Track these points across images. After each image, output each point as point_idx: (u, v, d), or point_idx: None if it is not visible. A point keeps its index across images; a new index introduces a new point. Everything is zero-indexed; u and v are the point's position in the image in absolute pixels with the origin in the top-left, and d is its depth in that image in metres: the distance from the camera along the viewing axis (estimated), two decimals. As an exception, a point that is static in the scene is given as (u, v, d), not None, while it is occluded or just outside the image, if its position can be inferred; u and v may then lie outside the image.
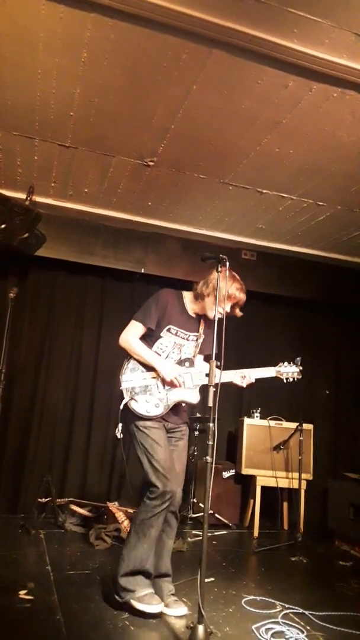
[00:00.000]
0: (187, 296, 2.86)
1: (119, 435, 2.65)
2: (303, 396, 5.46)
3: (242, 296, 2.75)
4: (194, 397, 2.78)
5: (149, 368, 2.73)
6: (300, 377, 2.87)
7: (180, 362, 2.78)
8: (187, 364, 2.78)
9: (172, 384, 2.69)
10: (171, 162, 3.70)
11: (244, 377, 2.76)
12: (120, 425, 2.67)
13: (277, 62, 2.61)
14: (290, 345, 5.18)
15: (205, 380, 2.59)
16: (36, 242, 4.20)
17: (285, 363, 2.88)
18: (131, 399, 2.68)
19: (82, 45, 2.63)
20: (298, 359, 2.91)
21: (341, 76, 2.67)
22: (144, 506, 2.59)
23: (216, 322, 2.44)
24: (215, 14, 2.36)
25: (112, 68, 2.77)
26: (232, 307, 2.75)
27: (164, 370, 2.67)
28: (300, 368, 2.88)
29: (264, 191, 4.04)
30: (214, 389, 2.40)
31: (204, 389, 2.55)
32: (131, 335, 2.75)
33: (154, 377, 2.73)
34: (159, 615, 2.52)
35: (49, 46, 2.65)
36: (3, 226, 3.79)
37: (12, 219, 3.82)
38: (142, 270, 4.84)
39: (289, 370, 2.86)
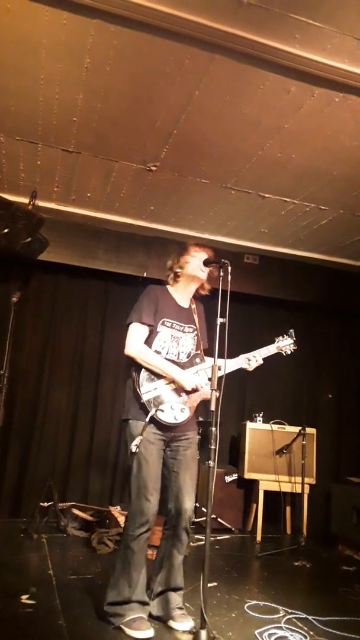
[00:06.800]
0: (170, 288, 2.81)
1: (134, 449, 2.46)
2: (306, 400, 5.49)
3: (203, 249, 2.73)
4: None
5: (160, 375, 2.60)
6: (295, 347, 2.89)
7: (191, 359, 2.70)
8: (197, 359, 2.71)
9: (195, 390, 2.60)
10: (173, 166, 3.72)
11: (249, 360, 2.70)
12: (138, 439, 2.46)
13: (279, 67, 2.62)
14: (293, 349, 5.18)
15: (220, 372, 2.53)
16: (39, 247, 4.20)
17: (281, 337, 2.89)
18: (157, 409, 2.52)
19: (85, 51, 2.64)
20: (291, 330, 2.92)
21: (343, 81, 2.68)
22: (124, 530, 2.54)
23: (218, 318, 2.43)
24: (217, 20, 2.37)
25: (114, 74, 2.78)
26: (206, 266, 2.70)
27: (182, 380, 2.57)
28: (294, 339, 2.90)
29: (266, 195, 4.05)
30: (217, 393, 2.39)
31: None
32: (136, 341, 2.61)
33: (169, 383, 2.61)
34: None
35: (52, 52, 2.66)
36: (6, 230, 3.80)
37: (15, 224, 3.82)
38: (145, 274, 4.85)
39: (285, 344, 2.88)
